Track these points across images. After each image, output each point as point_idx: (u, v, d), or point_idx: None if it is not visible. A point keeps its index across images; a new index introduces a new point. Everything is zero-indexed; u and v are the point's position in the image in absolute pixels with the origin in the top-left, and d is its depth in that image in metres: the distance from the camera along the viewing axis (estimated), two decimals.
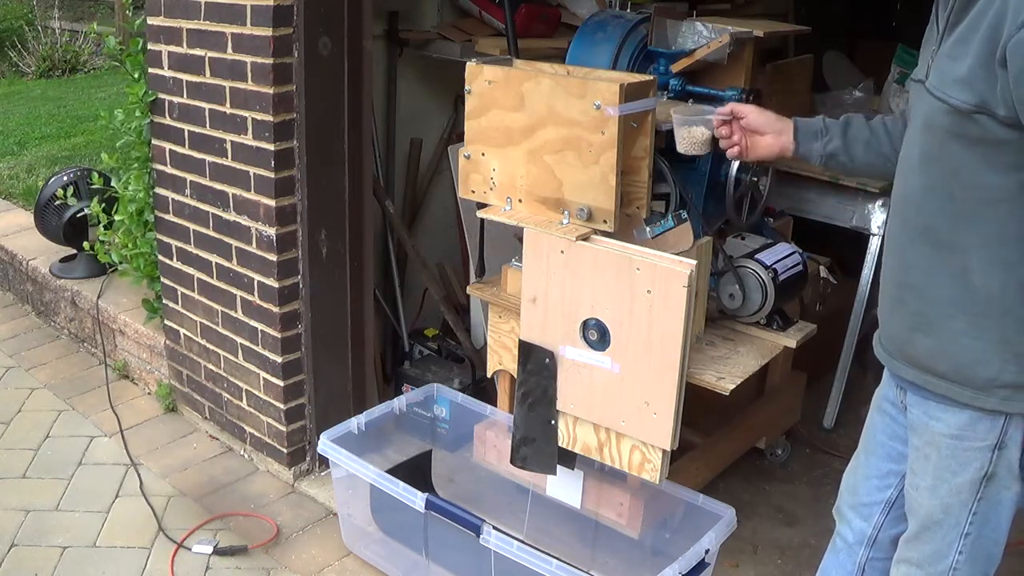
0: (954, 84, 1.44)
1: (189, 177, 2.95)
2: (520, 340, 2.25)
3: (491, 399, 2.79)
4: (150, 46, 2.93)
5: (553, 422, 2.27)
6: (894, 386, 1.75)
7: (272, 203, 2.70)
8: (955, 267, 1.52)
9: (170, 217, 3.09)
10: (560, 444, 2.28)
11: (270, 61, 2.57)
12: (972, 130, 1.44)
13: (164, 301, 3.27)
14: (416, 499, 2.31)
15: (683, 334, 1.99)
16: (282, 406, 2.91)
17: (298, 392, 2.94)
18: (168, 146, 2.99)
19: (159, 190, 3.10)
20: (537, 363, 2.23)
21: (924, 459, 1.65)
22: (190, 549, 2.66)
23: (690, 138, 2.13)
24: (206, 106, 2.80)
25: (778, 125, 1.92)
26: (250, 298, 2.88)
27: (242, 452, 3.14)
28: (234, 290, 2.93)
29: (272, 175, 2.67)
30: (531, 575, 2.11)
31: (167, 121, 2.96)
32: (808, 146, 1.90)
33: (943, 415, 1.60)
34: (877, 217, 3.19)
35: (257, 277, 2.83)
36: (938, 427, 1.61)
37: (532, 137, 2.20)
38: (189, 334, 3.19)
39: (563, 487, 2.46)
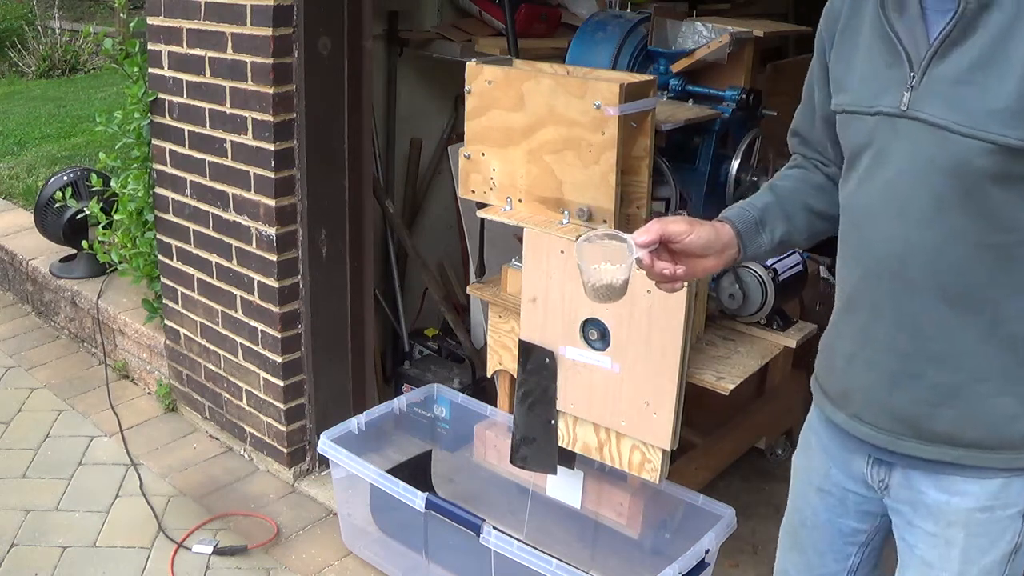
0: (993, 117, 1.20)
1: (189, 177, 2.95)
2: (520, 340, 2.25)
3: (491, 399, 2.79)
4: (150, 46, 2.93)
5: (553, 422, 2.27)
6: (867, 465, 1.47)
7: (272, 203, 2.70)
8: (984, 322, 1.30)
9: (170, 217, 3.09)
10: (560, 444, 2.28)
11: (270, 61, 2.57)
12: (1020, 168, 1.22)
13: (164, 301, 3.27)
14: (416, 499, 2.31)
15: (683, 334, 1.99)
16: (282, 406, 2.91)
17: (298, 392, 2.94)
18: (168, 146, 2.99)
19: (159, 190, 3.10)
20: (537, 363, 2.23)
21: (946, 545, 1.40)
22: (190, 549, 2.66)
23: (600, 285, 1.41)
24: (206, 106, 2.80)
25: (719, 242, 1.46)
26: (250, 298, 2.88)
27: (242, 452, 3.14)
28: (234, 290, 2.93)
29: (272, 175, 2.67)
30: (531, 575, 2.11)
31: (167, 121, 2.96)
32: (755, 246, 1.52)
33: (970, 488, 1.37)
34: None
35: (257, 277, 2.83)
36: (964, 503, 1.37)
37: (532, 137, 2.20)
38: (189, 334, 3.19)
39: (563, 487, 2.46)
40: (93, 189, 3.49)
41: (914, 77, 1.28)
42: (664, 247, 1.40)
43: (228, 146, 2.77)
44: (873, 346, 1.38)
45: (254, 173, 2.72)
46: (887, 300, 1.34)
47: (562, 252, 2.13)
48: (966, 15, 1.22)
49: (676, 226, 1.40)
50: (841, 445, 1.50)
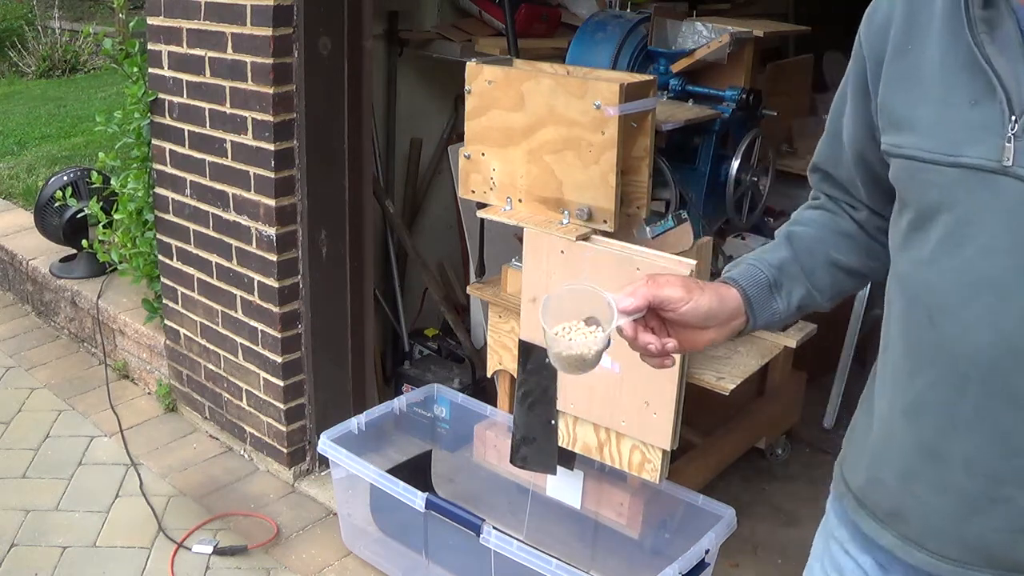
0: None
1: (189, 177, 2.95)
2: (520, 340, 2.25)
3: (491, 399, 2.79)
4: (150, 46, 2.93)
5: (553, 422, 2.27)
6: None
7: (272, 203, 2.70)
8: None
9: (170, 217, 3.09)
10: (560, 444, 2.28)
11: (270, 61, 2.57)
12: None
13: (164, 301, 3.27)
14: (416, 499, 2.31)
15: None
16: (282, 406, 2.91)
17: (298, 392, 2.94)
18: (168, 146, 2.99)
19: (159, 190, 3.10)
20: (537, 363, 2.23)
21: None
22: (190, 549, 2.66)
23: (569, 355, 1.13)
24: (206, 106, 2.80)
25: (724, 312, 1.18)
26: (250, 298, 2.88)
27: (242, 452, 3.14)
28: (234, 290, 2.93)
29: (272, 175, 2.67)
30: (531, 575, 2.11)
31: (167, 121, 2.96)
32: (768, 314, 1.24)
33: None
34: None
35: (257, 277, 2.83)
36: None
37: (532, 137, 2.20)
38: (189, 334, 3.19)
39: (563, 487, 2.46)
40: (93, 187, 3.49)
41: (1016, 122, 0.99)
42: (654, 313, 1.14)
43: (228, 146, 2.77)
44: (946, 466, 1.09)
45: (254, 173, 2.72)
46: (973, 414, 1.05)
47: (562, 252, 2.13)
48: None
49: (671, 291, 1.13)
50: (882, 569, 1.21)
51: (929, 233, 1.06)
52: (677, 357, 1.19)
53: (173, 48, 2.84)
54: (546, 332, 1.12)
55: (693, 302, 1.14)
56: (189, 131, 2.89)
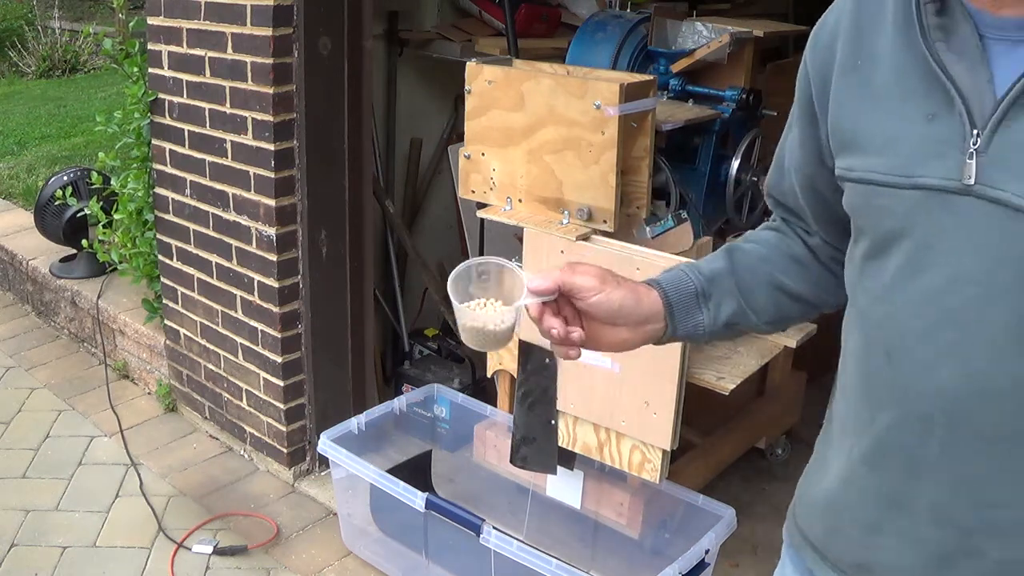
0: None
1: (189, 177, 2.95)
2: (520, 340, 2.25)
3: (491, 399, 2.79)
4: (150, 46, 2.93)
5: (553, 422, 2.27)
6: None
7: (272, 203, 2.70)
8: None
9: (170, 217, 3.09)
10: (560, 444, 2.28)
11: (270, 61, 2.57)
12: None
13: (164, 301, 3.27)
14: (416, 499, 2.31)
15: None
16: (282, 406, 2.91)
17: (298, 392, 2.93)
18: (168, 146, 2.99)
19: (159, 190, 3.10)
20: (537, 363, 2.22)
21: None
22: (190, 549, 2.66)
23: (471, 327, 1.12)
24: (206, 106, 2.80)
25: (637, 313, 1.11)
26: (250, 298, 2.88)
27: (242, 452, 3.14)
28: (234, 290, 2.93)
29: (272, 175, 2.67)
30: (531, 575, 2.11)
31: (167, 121, 2.96)
32: (690, 324, 1.15)
33: None
34: None
35: (257, 277, 2.83)
36: None
37: (532, 137, 2.20)
38: (189, 334, 3.19)
39: (563, 487, 2.46)
40: (93, 187, 3.50)
41: (978, 137, 0.90)
42: (568, 300, 1.09)
43: (228, 146, 2.77)
44: (911, 517, 1.00)
45: (254, 173, 2.72)
46: (939, 458, 0.96)
47: (562, 252, 2.13)
48: None
49: (583, 279, 1.07)
50: None
51: (886, 263, 0.97)
52: (587, 351, 1.14)
53: (173, 48, 2.84)
54: (454, 304, 1.10)
55: (604, 294, 1.07)
56: (189, 131, 2.89)
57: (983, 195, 0.88)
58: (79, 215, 3.72)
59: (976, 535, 0.96)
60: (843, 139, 1.01)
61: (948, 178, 0.90)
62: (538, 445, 2.31)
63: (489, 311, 1.09)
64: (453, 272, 1.10)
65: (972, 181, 0.89)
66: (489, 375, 2.62)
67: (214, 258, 2.97)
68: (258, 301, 2.86)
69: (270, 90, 2.59)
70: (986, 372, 0.91)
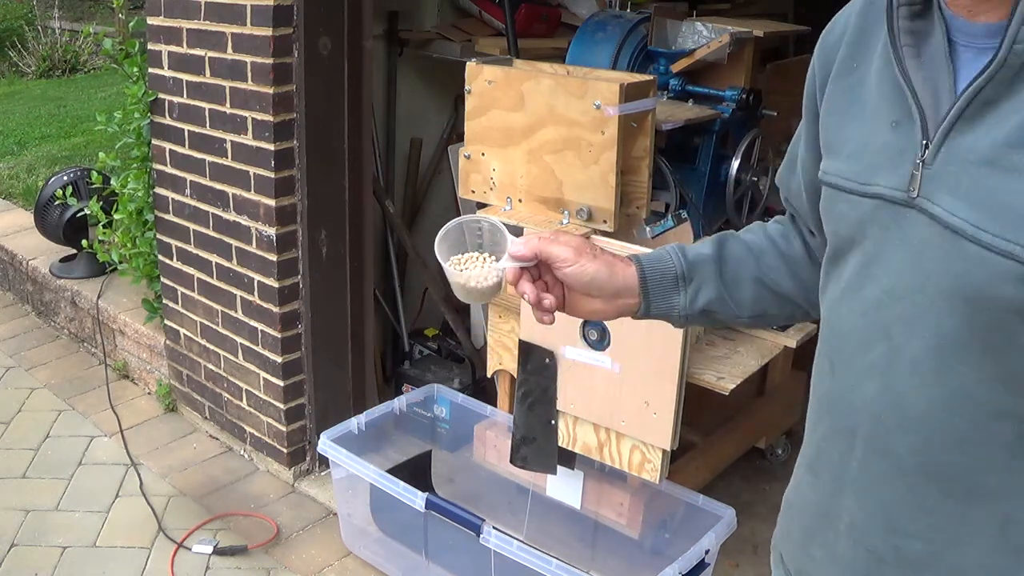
0: None
1: (189, 177, 2.95)
2: (520, 340, 2.25)
3: (491, 399, 2.79)
4: (150, 46, 2.93)
5: (553, 422, 2.27)
6: None
7: (272, 203, 2.70)
8: (992, 523, 0.88)
9: (170, 217, 3.09)
10: (560, 444, 2.28)
11: (270, 61, 2.57)
12: None
13: (164, 301, 3.27)
14: (416, 499, 2.31)
15: (683, 334, 1.99)
16: (282, 406, 2.91)
17: (298, 392, 2.94)
18: (168, 146, 2.99)
19: (159, 190, 3.10)
20: (537, 363, 2.23)
21: None
22: (190, 549, 2.66)
23: (457, 284, 1.18)
24: (206, 106, 2.80)
25: (611, 286, 1.11)
26: (250, 298, 2.88)
27: (242, 452, 3.14)
28: (234, 290, 2.93)
29: (272, 175, 2.67)
30: (531, 575, 2.11)
31: (167, 121, 2.96)
32: (664, 305, 1.15)
33: None
34: None
35: (257, 277, 2.83)
36: None
37: (532, 137, 2.20)
38: (189, 334, 3.19)
39: (563, 487, 2.46)
40: (93, 187, 3.50)
41: (927, 147, 0.86)
42: (548, 268, 1.11)
43: (228, 146, 2.77)
44: (833, 532, 0.99)
45: (254, 173, 2.72)
46: (857, 476, 0.94)
47: None
48: (1009, 64, 0.80)
49: (559, 250, 1.09)
50: None
51: (842, 270, 0.96)
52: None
53: (173, 48, 2.84)
54: (440, 260, 1.16)
55: (579, 266, 1.09)
56: (189, 131, 2.89)
57: (923, 209, 0.86)
58: (79, 215, 3.72)
59: (886, 565, 0.94)
60: (827, 141, 1.01)
61: (897, 188, 0.88)
62: (538, 445, 2.32)
63: (474, 270, 1.15)
64: (443, 228, 1.16)
65: (916, 193, 0.86)
66: (489, 375, 2.62)
67: (214, 258, 2.97)
68: (258, 301, 2.86)
69: (270, 90, 2.59)
70: (905, 393, 0.89)
